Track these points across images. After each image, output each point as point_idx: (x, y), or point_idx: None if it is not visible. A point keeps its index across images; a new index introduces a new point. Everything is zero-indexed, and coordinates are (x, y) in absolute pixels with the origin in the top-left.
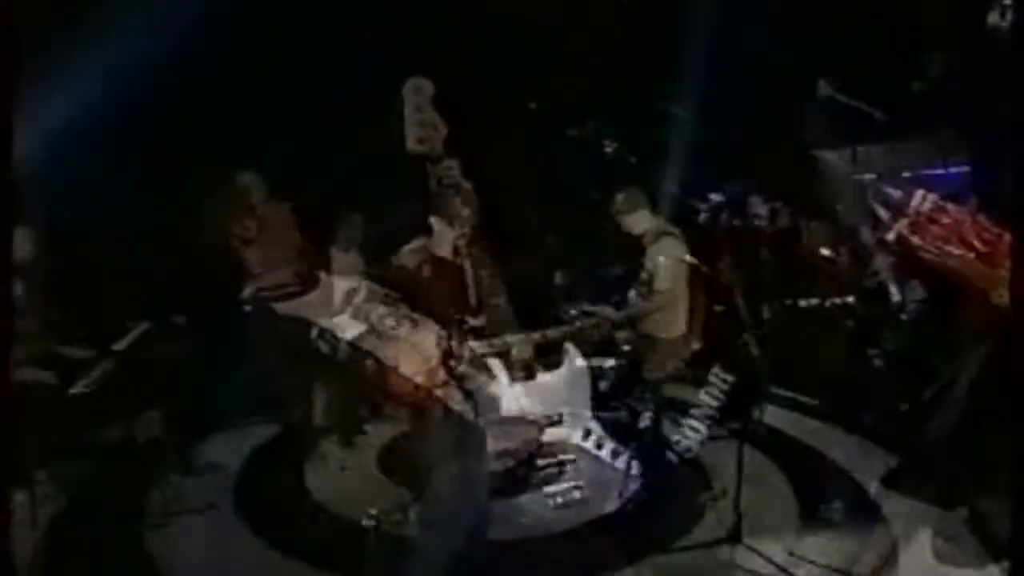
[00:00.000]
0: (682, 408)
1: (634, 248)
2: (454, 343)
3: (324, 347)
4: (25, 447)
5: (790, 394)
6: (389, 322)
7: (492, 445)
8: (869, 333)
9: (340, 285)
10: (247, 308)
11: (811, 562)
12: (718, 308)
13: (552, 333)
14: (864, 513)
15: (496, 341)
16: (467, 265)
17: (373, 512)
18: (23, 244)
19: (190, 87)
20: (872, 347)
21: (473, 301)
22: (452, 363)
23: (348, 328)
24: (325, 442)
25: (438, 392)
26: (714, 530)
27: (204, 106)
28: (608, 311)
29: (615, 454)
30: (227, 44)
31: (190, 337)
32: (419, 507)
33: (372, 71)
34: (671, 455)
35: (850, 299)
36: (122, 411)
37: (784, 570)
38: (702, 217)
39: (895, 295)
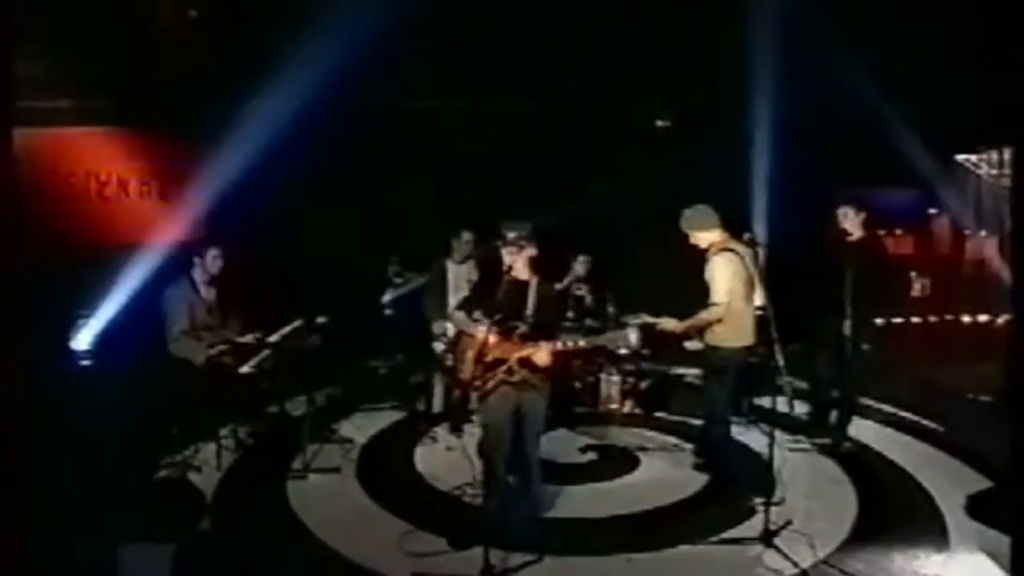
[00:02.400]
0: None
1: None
2: (503, 344)
3: (440, 347)
4: (212, 411)
5: (889, 408)
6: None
7: None
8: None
9: (452, 298)
10: (387, 312)
11: (843, 571)
12: None
13: (583, 342)
14: (927, 534)
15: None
16: (533, 281)
17: (457, 485)
18: (215, 261)
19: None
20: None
21: (529, 312)
22: (499, 358)
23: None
24: (438, 427)
25: (490, 382)
26: (755, 530)
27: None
28: (671, 321)
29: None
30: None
31: (334, 333)
32: (486, 483)
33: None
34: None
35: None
36: (279, 390)
37: (804, 572)
38: (746, 237)
39: None
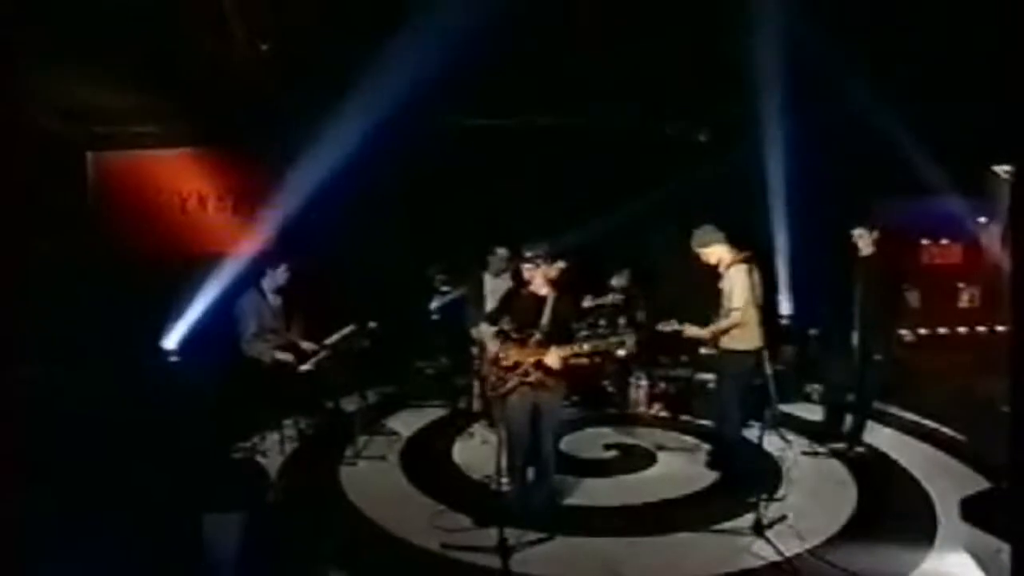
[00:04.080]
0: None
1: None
2: (521, 350)
3: (476, 351)
4: (276, 404)
5: (912, 416)
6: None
7: None
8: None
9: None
10: (433, 318)
11: (827, 562)
12: None
13: (587, 347)
14: (917, 535)
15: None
16: (550, 296)
17: (486, 474)
18: (282, 274)
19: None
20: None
21: (545, 321)
22: (517, 362)
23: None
24: (477, 424)
25: (509, 381)
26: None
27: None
28: (695, 328)
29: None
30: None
31: (386, 337)
32: (507, 471)
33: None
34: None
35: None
36: (334, 387)
37: (788, 561)
38: (745, 255)
39: None
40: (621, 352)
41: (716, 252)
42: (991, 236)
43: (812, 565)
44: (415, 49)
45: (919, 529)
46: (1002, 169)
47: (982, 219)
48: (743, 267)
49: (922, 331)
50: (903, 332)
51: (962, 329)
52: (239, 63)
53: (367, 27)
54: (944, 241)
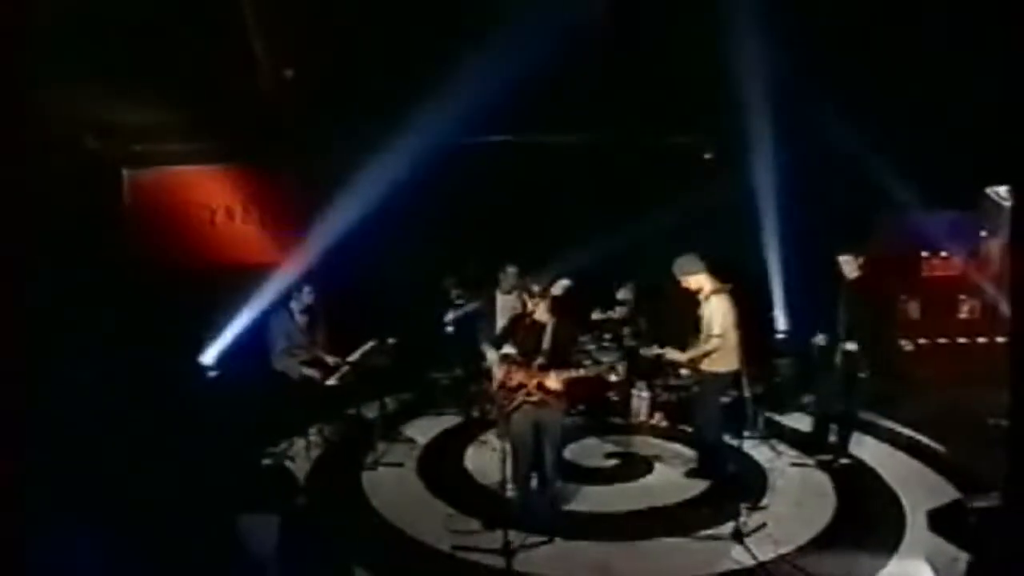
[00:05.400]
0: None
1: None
2: (525, 372)
3: (486, 366)
4: (303, 414)
5: (899, 429)
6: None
7: None
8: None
9: (500, 322)
10: (448, 330)
11: (797, 567)
12: None
13: (584, 372)
14: (883, 542)
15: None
16: (550, 323)
17: (495, 481)
18: (308, 295)
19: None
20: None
21: (546, 346)
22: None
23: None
24: (489, 432)
25: (514, 400)
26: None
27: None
28: (675, 352)
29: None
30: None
31: (404, 349)
32: (512, 479)
33: None
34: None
35: None
36: (355, 399)
37: (762, 565)
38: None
39: None
40: (613, 378)
41: (697, 280)
42: (991, 249)
43: (783, 570)
44: (433, 70)
45: (887, 538)
46: (993, 191)
47: (983, 232)
48: (723, 296)
49: (922, 341)
50: (903, 342)
51: (962, 340)
52: (265, 87)
53: (388, 49)
54: (944, 253)
